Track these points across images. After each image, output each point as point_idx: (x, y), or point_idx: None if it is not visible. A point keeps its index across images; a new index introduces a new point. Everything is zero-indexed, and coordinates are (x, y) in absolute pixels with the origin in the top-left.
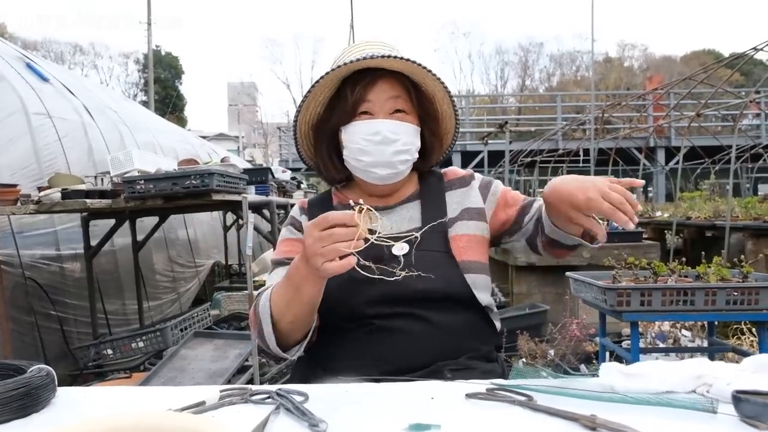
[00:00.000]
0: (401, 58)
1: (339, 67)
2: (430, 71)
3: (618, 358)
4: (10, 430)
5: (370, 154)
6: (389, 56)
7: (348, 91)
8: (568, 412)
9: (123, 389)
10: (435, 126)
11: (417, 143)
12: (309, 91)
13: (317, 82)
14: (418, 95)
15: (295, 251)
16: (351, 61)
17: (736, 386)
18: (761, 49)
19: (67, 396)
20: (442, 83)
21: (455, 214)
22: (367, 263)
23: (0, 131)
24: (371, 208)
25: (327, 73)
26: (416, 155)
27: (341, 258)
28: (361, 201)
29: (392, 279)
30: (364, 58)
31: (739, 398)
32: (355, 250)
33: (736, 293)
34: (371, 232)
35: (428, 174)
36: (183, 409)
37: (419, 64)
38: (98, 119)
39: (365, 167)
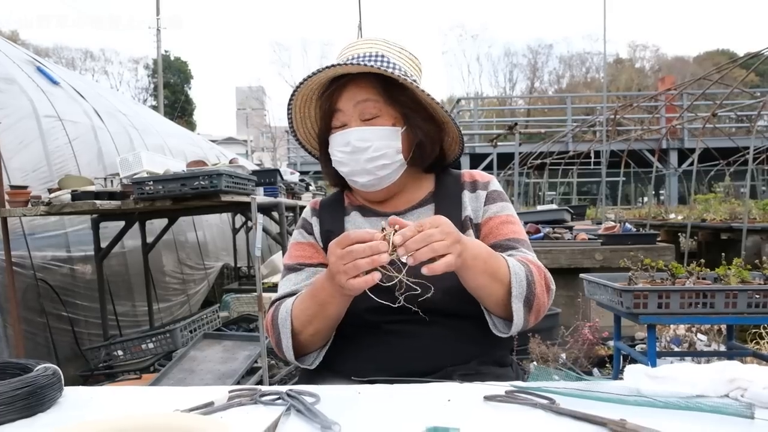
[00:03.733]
0: (360, 64)
1: (301, 85)
2: (386, 71)
3: (633, 362)
4: (16, 429)
5: (346, 165)
6: (344, 64)
7: (322, 104)
8: (596, 416)
9: (130, 389)
10: (427, 116)
11: (395, 145)
12: (289, 112)
13: (290, 101)
14: (394, 91)
15: (307, 256)
16: (309, 77)
17: None
18: None
19: (73, 396)
20: (410, 80)
21: (468, 222)
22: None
23: (11, 134)
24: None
25: (293, 94)
26: (398, 157)
27: (367, 274)
28: (383, 223)
29: (413, 307)
30: (319, 72)
31: None
32: (377, 266)
33: (758, 296)
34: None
35: (445, 175)
36: (191, 410)
37: (375, 67)
38: (108, 122)
39: (347, 176)
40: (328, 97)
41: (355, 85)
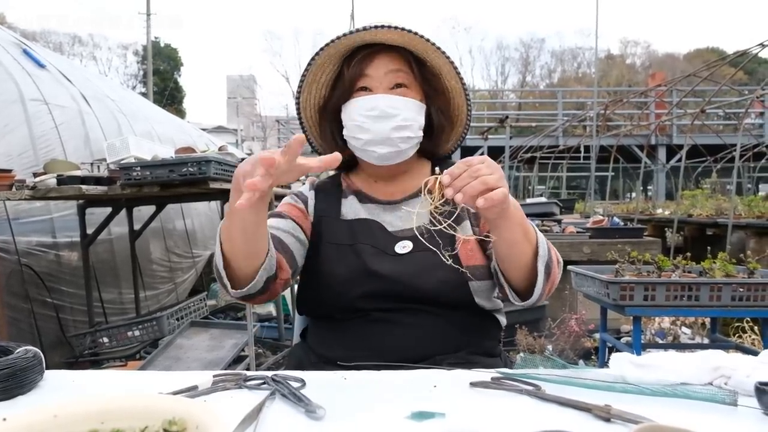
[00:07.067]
0: (399, 29)
1: (333, 42)
2: (429, 41)
3: None
4: None
5: (367, 131)
6: (384, 26)
7: (345, 68)
8: (581, 401)
9: (113, 373)
10: (444, 103)
11: (420, 120)
12: (306, 71)
13: (313, 59)
14: (422, 70)
15: (294, 214)
16: (345, 35)
17: (756, 378)
18: (767, 45)
19: (55, 379)
20: (446, 55)
21: (465, 213)
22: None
23: None
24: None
25: (322, 49)
26: (419, 133)
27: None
28: (437, 170)
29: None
30: (358, 31)
31: (764, 390)
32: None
33: (742, 289)
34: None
35: (440, 164)
36: (174, 394)
37: (417, 34)
38: (96, 107)
39: (364, 145)
40: (360, 61)
41: (386, 55)
